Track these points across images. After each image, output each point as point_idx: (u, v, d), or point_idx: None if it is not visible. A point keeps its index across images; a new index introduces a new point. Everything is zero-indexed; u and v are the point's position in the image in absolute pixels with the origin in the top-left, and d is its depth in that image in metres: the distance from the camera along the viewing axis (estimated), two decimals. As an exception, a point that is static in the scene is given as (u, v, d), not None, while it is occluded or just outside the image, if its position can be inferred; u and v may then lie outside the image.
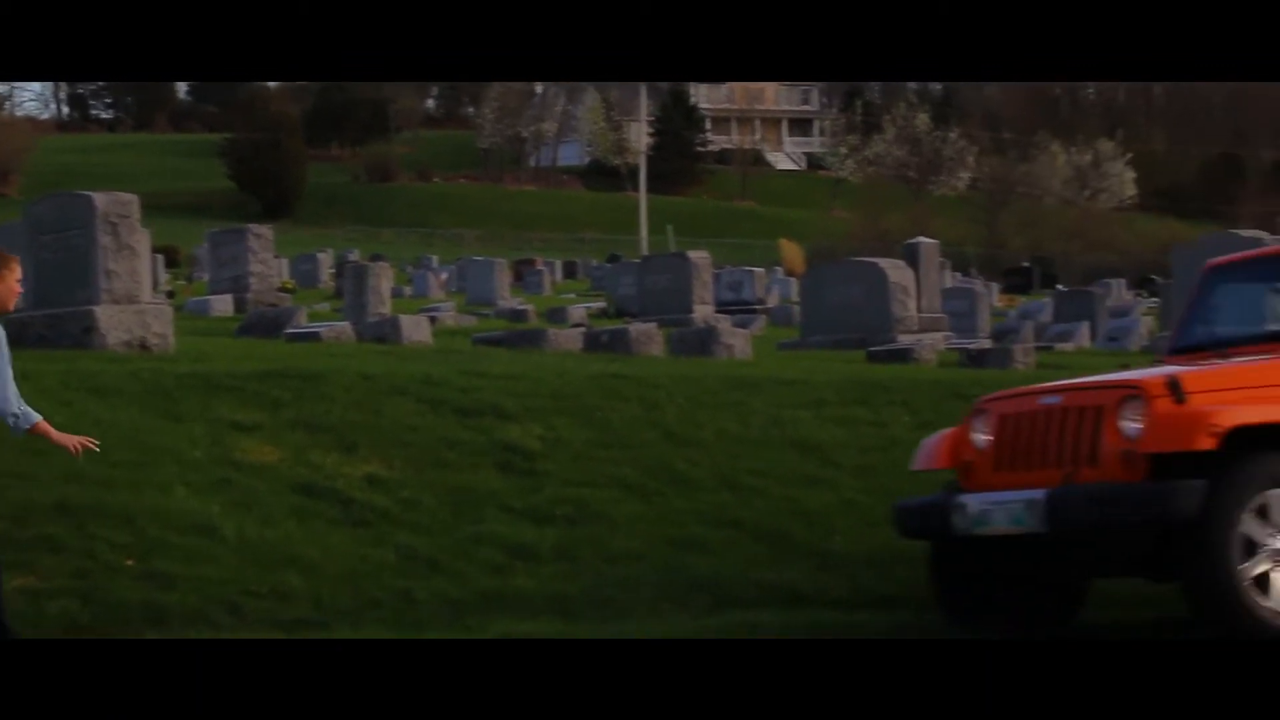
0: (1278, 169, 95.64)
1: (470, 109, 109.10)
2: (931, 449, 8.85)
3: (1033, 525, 8.00)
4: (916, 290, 23.44)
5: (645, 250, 62.82)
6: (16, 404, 7.15)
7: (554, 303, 37.69)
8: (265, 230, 29.51)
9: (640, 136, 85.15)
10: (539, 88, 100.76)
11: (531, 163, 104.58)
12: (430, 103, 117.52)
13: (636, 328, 18.47)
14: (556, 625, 8.60)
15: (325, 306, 31.92)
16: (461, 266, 50.16)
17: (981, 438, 8.58)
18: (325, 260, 49.91)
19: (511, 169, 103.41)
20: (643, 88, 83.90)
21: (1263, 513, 7.79)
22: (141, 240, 14.46)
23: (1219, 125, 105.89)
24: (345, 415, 10.94)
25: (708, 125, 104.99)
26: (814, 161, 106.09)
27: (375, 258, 46.03)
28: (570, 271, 61.36)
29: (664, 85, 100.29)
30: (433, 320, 23.68)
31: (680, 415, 11.70)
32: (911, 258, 25.96)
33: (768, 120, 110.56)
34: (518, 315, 30.51)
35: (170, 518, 9.26)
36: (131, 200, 14.12)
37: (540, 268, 55.02)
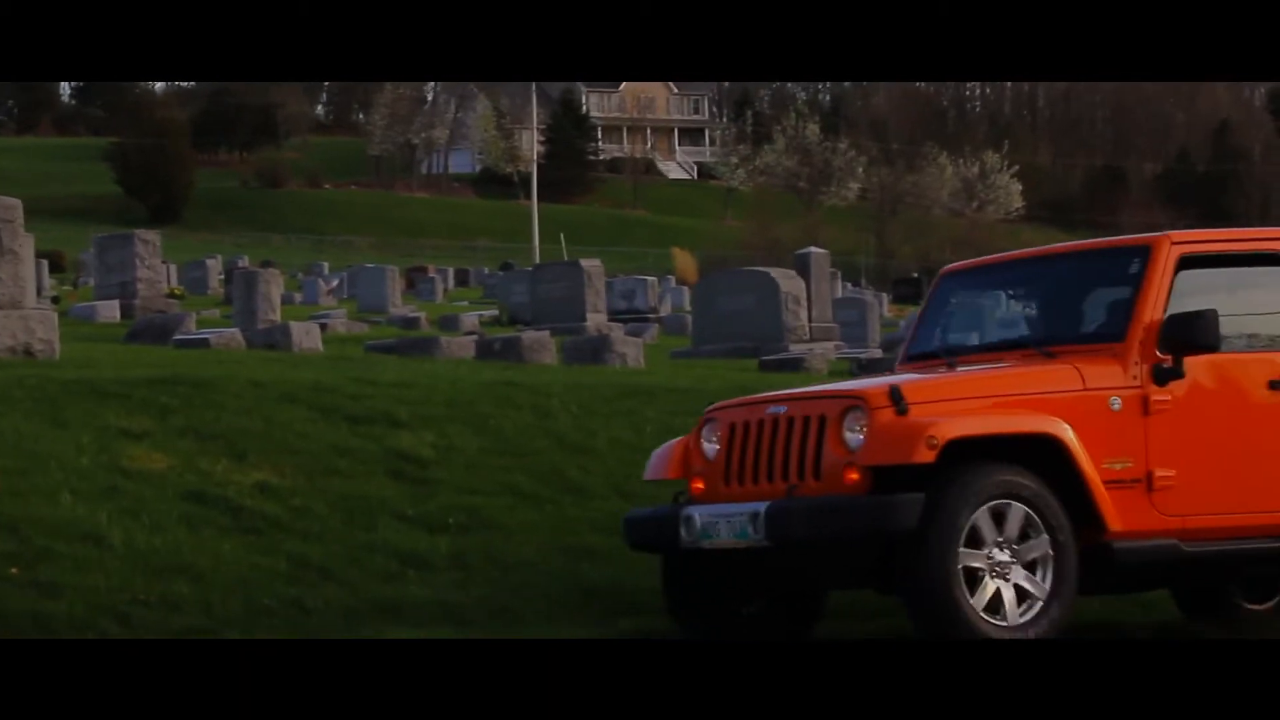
0: (1159, 180, 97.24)
1: (360, 115, 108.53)
2: (662, 459, 8.70)
3: (756, 538, 7.90)
4: (808, 300, 23.61)
5: (538, 258, 62.80)
6: None
7: (446, 310, 37.56)
8: (153, 235, 29.21)
9: (532, 144, 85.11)
10: (429, 95, 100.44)
11: (423, 170, 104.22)
12: (320, 109, 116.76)
13: (529, 336, 18.46)
14: (450, 633, 8.58)
15: (215, 313, 31.63)
16: (353, 273, 49.88)
17: (711, 447, 8.45)
18: (214, 266, 49.48)
19: (403, 176, 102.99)
20: (533, 95, 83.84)
21: (988, 523, 7.74)
22: (25, 245, 14.25)
23: (1102, 137, 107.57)
24: (235, 422, 10.84)
25: (599, 134, 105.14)
26: (705, 171, 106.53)
27: (265, 264, 45.66)
28: (463, 279, 61.20)
29: (554, 94, 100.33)
30: (324, 327, 23.53)
31: (573, 423, 11.69)
32: (803, 267, 26.14)
33: (659, 129, 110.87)
34: (410, 323, 30.38)
35: (57, 526, 9.13)
36: (14, 204, 13.91)
37: (432, 275, 54.84)
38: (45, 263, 40.62)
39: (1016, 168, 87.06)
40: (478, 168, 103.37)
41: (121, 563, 8.94)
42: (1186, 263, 8.44)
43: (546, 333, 19.64)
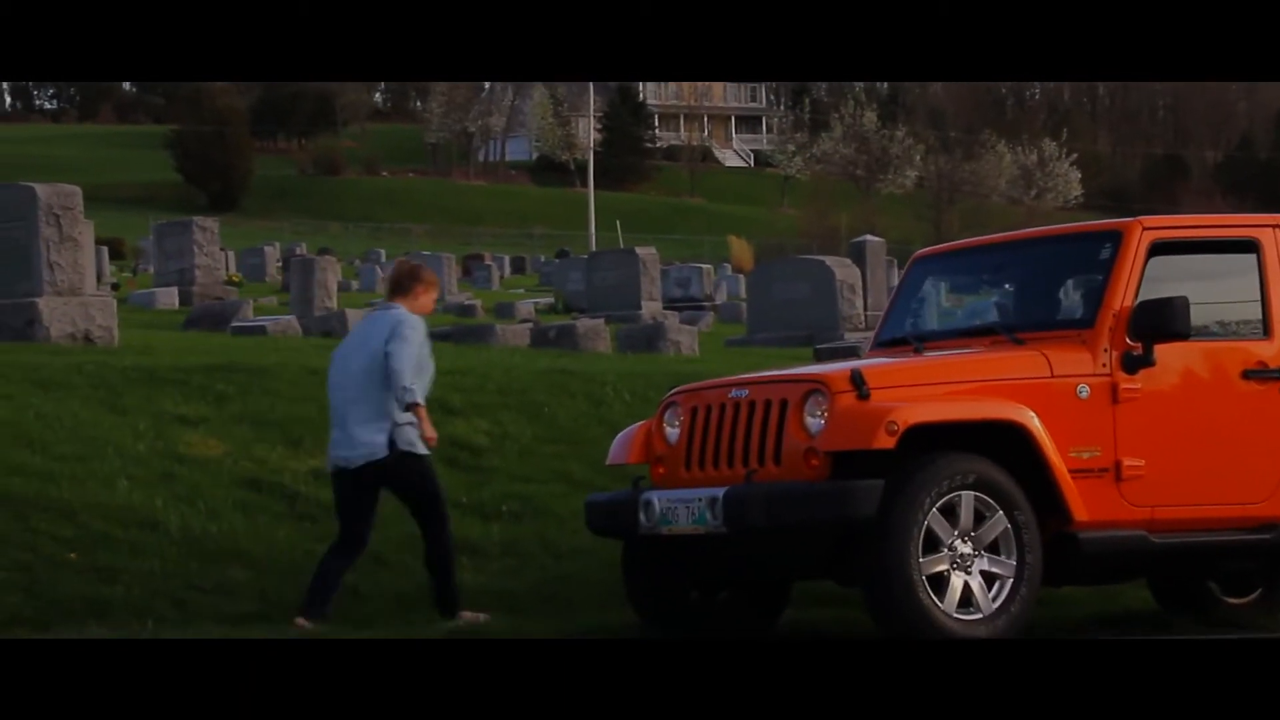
0: (1219, 169, 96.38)
1: (417, 103, 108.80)
2: (624, 443, 8.60)
3: (714, 524, 7.78)
4: (864, 288, 23.53)
5: (594, 246, 62.83)
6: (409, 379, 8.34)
7: (502, 298, 37.62)
8: (211, 223, 29.36)
9: (588, 132, 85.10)
10: (486, 83, 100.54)
11: (479, 157, 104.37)
12: (377, 96, 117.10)
13: (584, 323, 18.48)
14: (503, 621, 8.60)
15: (272, 300, 31.77)
16: (409, 261, 49.95)
17: (672, 431, 8.34)
18: (272, 254, 49.69)
19: (459, 163, 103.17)
20: (590, 83, 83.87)
21: (946, 514, 7.63)
22: (85, 232, 14.37)
23: (1162, 126, 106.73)
24: (291, 409, 10.90)
25: (656, 121, 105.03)
26: (762, 159, 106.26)
27: (322, 251, 45.91)
28: (519, 267, 61.26)
29: (611, 82, 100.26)
30: (379, 315, 23.57)
31: (627, 411, 11.70)
32: (858, 256, 26.06)
33: (716, 117, 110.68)
34: (465, 310, 30.45)
35: (113, 511, 9.22)
36: (74, 192, 14.02)
37: (488, 263, 54.91)
38: (105, 250, 40.92)
39: (1075, 156, 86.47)
40: (534, 155, 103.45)
41: (177, 548, 9.02)
42: (1158, 249, 8.30)
43: (601, 320, 19.65)
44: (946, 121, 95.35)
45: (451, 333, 18.85)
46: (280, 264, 46.54)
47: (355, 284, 44.11)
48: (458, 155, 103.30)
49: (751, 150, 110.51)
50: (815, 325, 21.72)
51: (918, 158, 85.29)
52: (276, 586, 8.86)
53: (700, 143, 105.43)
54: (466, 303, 32.61)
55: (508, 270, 57.87)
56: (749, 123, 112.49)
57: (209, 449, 10.19)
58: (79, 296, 13.73)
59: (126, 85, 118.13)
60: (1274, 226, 8.65)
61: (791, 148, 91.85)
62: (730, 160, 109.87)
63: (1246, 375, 8.36)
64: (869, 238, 28.62)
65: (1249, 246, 8.54)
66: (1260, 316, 8.49)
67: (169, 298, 27.28)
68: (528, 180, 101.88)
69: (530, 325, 20.40)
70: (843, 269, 22.69)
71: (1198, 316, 8.15)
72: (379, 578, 9.12)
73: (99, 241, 33.89)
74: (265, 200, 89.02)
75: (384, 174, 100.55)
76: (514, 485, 10.32)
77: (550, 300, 36.10)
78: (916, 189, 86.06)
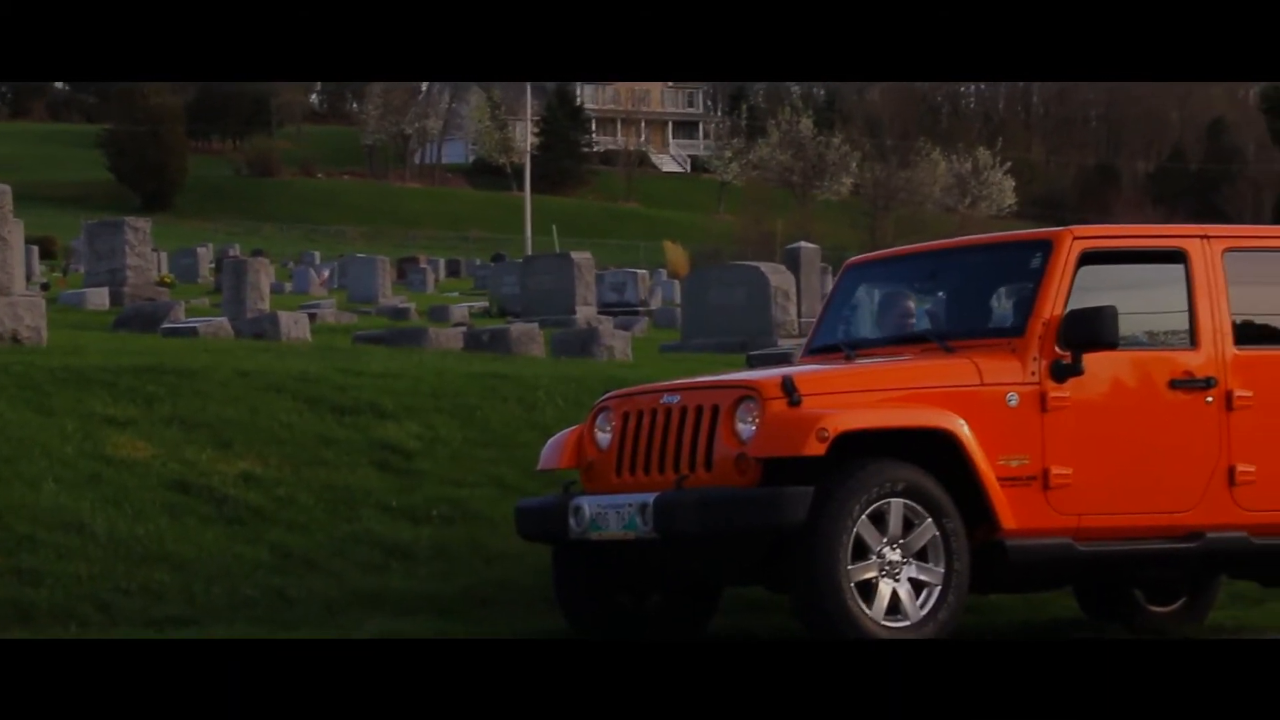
0: (1151, 179, 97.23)
1: (354, 105, 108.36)
2: (556, 448, 8.60)
3: (644, 530, 7.79)
4: (798, 295, 23.59)
5: (530, 250, 62.75)
6: None
7: (437, 301, 37.52)
8: (143, 223, 29.12)
9: (525, 136, 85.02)
10: (423, 85, 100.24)
11: (416, 160, 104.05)
12: (313, 98, 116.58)
13: (518, 328, 18.44)
14: (433, 624, 8.58)
15: (204, 301, 31.57)
16: (343, 263, 49.79)
17: (604, 436, 8.35)
18: (205, 255, 49.40)
19: (395, 166, 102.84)
20: (527, 87, 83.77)
21: (875, 521, 7.68)
22: (15, 231, 14.21)
23: (1095, 135, 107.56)
24: (221, 412, 10.83)
25: (593, 126, 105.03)
26: (699, 164, 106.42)
27: (256, 253, 45.63)
28: (454, 270, 61.11)
29: (548, 86, 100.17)
30: (312, 317, 23.49)
31: (559, 416, 11.68)
32: (793, 262, 26.12)
33: (653, 122, 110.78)
34: (399, 313, 30.34)
35: (39, 513, 9.13)
36: (4, 190, 13.88)
37: (424, 266, 54.75)
38: (35, 249, 40.55)
39: (1009, 164, 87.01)
40: (471, 158, 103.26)
41: (104, 551, 8.94)
42: (1088, 258, 8.36)
43: (535, 325, 19.62)
44: (882, 129, 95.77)
45: (384, 335, 18.77)
46: (213, 265, 46.27)
47: (289, 286, 43.89)
48: (394, 158, 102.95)
49: (688, 156, 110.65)
50: (750, 331, 21.76)
51: (853, 165, 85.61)
52: (204, 589, 8.81)
53: (637, 148, 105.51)
54: (400, 305, 32.49)
55: (443, 273, 57.71)
56: (686, 128, 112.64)
57: (137, 451, 10.11)
58: (7, 296, 13.59)
59: (59, 83, 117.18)
60: (1202, 237, 8.73)
61: (728, 153, 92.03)
62: (667, 165, 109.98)
63: (1173, 385, 8.43)
64: (804, 244, 28.70)
65: (1177, 257, 8.62)
66: (1187, 327, 8.56)
67: (100, 298, 27.04)
68: (464, 183, 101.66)
69: (464, 329, 20.35)
70: (777, 275, 22.73)
71: (1126, 326, 8.22)
72: (307, 581, 9.08)
73: (29, 240, 33.52)
74: (199, 201, 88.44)
75: (319, 175, 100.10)
76: (445, 489, 10.30)
77: (485, 304, 36.03)
78: (852, 196, 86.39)
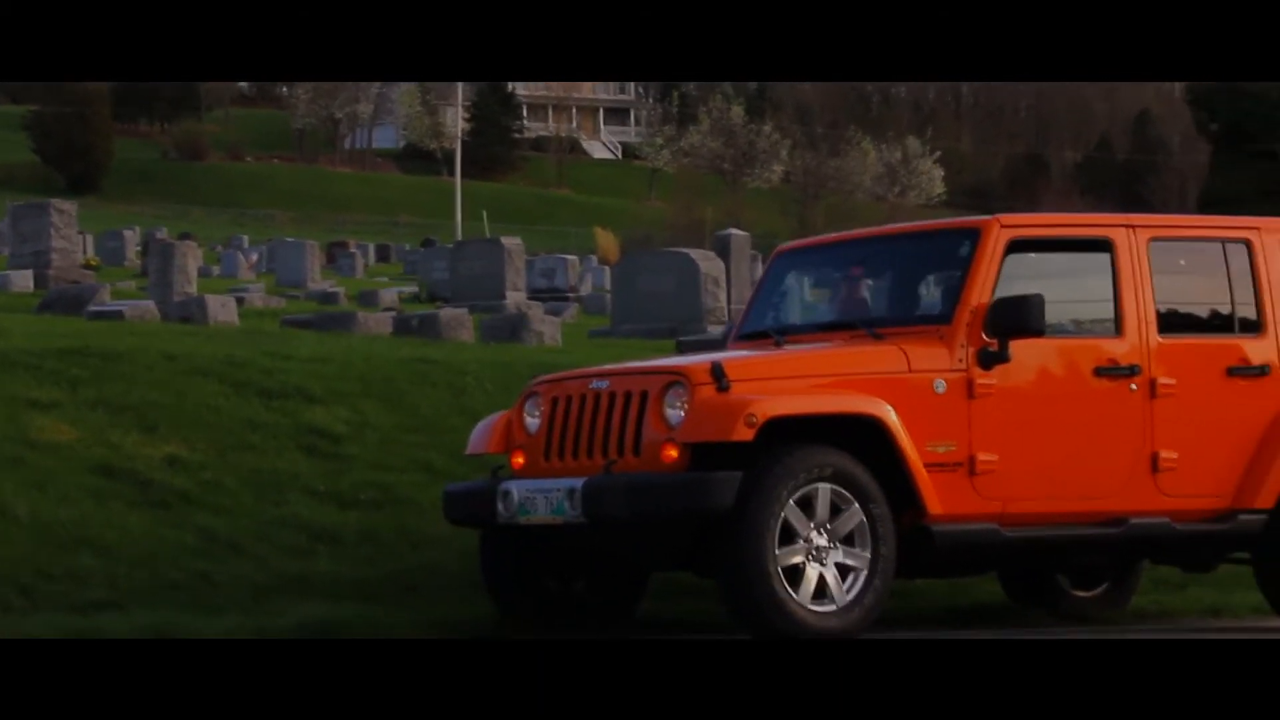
0: (1078, 169, 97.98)
1: (284, 88, 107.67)
2: (484, 432, 8.60)
3: (572, 515, 7.81)
4: (727, 281, 23.63)
5: (460, 235, 62.55)
6: None
7: (366, 286, 37.36)
8: (69, 205, 28.83)
9: (456, 121, 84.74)
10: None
11: (346, 145, 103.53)
12: (242, 82, 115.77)
13: (447, 313, 18.40)
14: (359, 609, 8.55)
15: (130, 285, 31.33)
16: (272, 247, 49.52)
17: (533, 421, 8.37)
18: (131, 238, 48.99)
19: (325, 150, 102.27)
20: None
21: (805, 508, 7.72)
22: (-63, 212, 14.07)
23: (1024, 125, 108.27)
24: (146, 395, 10.74)
25: (524, 112, 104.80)
26: (630, 151, 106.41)
27: (183, 236, 45.28)
28: (384, 255, 60.86)
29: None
30: (240, 301, 23.36)
31: (488, 401, 11.65)
32: (723, 249, 26.16)
33: (584, 109, 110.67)
34: (328, 298, 30.19)
35: (-39, 497, 9.03)
36: (-73, 171, 13.73)
37: (353, 250, 54.50)
38: (-41, 231, 40.08)
39: (939, 154, 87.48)
40: (402, 143, 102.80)
41: (26, 535, 8.86)
42: (1015, 247, 8.42)
43: (465, 310, 19.57)
44: (813, 117, 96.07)
45: (313, 320, 18.68)
46: (140, 248, 45.91)
47: (217, 270, 43.58)
48: (324, 142, 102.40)
49: (619, 142, 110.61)
50: (679, 318, 21.78)
51: (784, 153, 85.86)
52: (127, 574, 8.75)
53: (568, 134, 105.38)
54: (329, 290, 32.33)
55: (372, 258, 57.48)
56: (617, 115, 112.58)
57: (61, 434, 10.02)
58: (-71, 278, 13.45)
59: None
60: (1128, 226, 8.81)
61: (659, 140, 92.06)
62: (598, 152, 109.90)
63: (1098, 372, 8.51)
64: (734, 231, 28.76)
65: (1103, 246, 8.69)
66: (1113, 315, 8.64)
67: (24, 280, 26.76)
68: (394, 168, 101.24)
69: (393, 314, 20.27)
70: (707, 262, 22.76)
71: (1053, 314, 8.28)
72: (234, 566, 9.03)
73: (-48, 222, 33.18)
74: (126, 183, 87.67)
75: (248, 159, 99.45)
76: (373, 474, 10.26)
77: (414, 289, 35.91)
78: (782, 184, 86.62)
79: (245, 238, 61.12)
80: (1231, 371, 8.81)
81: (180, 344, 12.81)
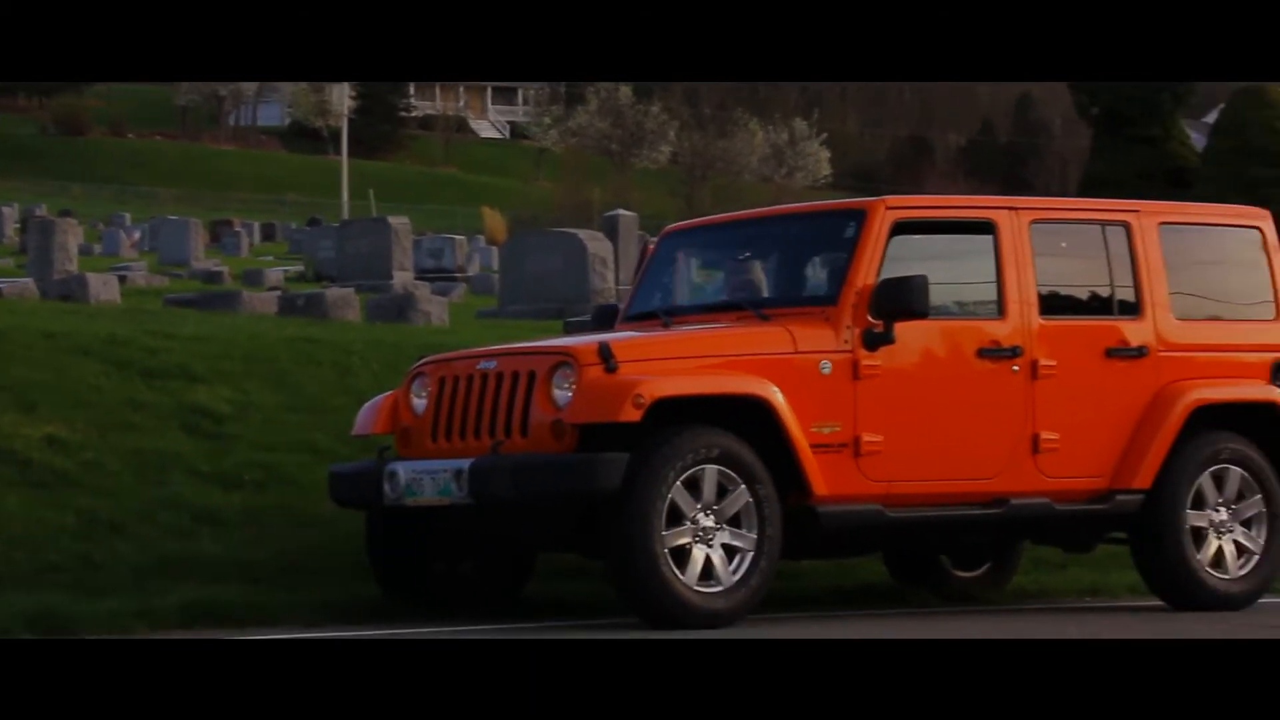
0: (962, 152, 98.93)
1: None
2: (371, 413, 8.57)
3: (459, 496, 7.80)
4: (615, 262, 23.63)
5: (347, 214, 62.10)
6: None
7: (251, 265, 36.99)
8: (-55, 182, 28.36)
9: (343, 99, 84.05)
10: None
11: (230, 122, 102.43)
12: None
13: (333, 292, 18.28)
14: (243, 591, 8.48)
15: (9, 262, 30.84)
16: (155, 226, 48.92)
17: (419, 402, 8.34)
18: (10, 215, 48.26)
19: (209, 128, 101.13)
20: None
21: (690, 487, 7.74)
22: None
23: (908, 108, 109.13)
24: (25, 374, 10.58)
25: (411, 90, 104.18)
26: (518, 130, 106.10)
27: (64, 214, 44.54)
28: (269, 234, 60.26)
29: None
30: (122, 279, 23.08)
31: (375, 381, 11.58)
32: (611, 230, 26.16)
33: (471, 88, 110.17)
34: (212, 277, 29.89)
35: None
36: None
37: (238, 229, 53.96)
38: None
39: (825, 136, 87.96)
40: (287, 121, 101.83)
41: (-99, 517, 8.71)
42: (901, 228, 8.48)
43: (351, 290, 19.45)
44: (700, 98, 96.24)
45: (196, 299, 18.50)
46: (18, 225, 45.18)
47: (98, 248, 43.00)
48: (208, 119, 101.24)
49: (507, 122, 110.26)
50: (567, 298, 21.76)
51: (671, 134, 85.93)
52: (5, 555, 8.62)
53: (455, 113, 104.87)
54: (214, 269, 32.01)
55: (257, 237, 56.91)
56: (505, 94, 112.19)
57: (-63, 414, 9.86)
58: None
59: None
60: (1011, 209, 8.90)
61: (547, 120, 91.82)
62: (485, 131, 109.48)
63: (981, 354, 8.59)
64: (622, 212, 28.77)
65: (986, 228, 8.78)
66: (995, 297, 8.73)
67: (-101, 258, 26.30)
68: (280, 146, 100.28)
69: (278, 293, 20.11)
70: (595, 242, 22.75)
71: (937, 296, 8.35)
72: (115, 547, 8.92)
73: None
74: (3, 159, 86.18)
75: (130, 136, 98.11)
76: (257, 454, 10.17)
77: (300, 268, 35.62)
78: (670, 165, 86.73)
79: (127, 215, 60.31)
80: (1110, 353, 8.93)
81: (60, 322, 12.63)
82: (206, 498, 9.56)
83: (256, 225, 60.31)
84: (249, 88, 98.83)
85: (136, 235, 49.14)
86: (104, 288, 19.10)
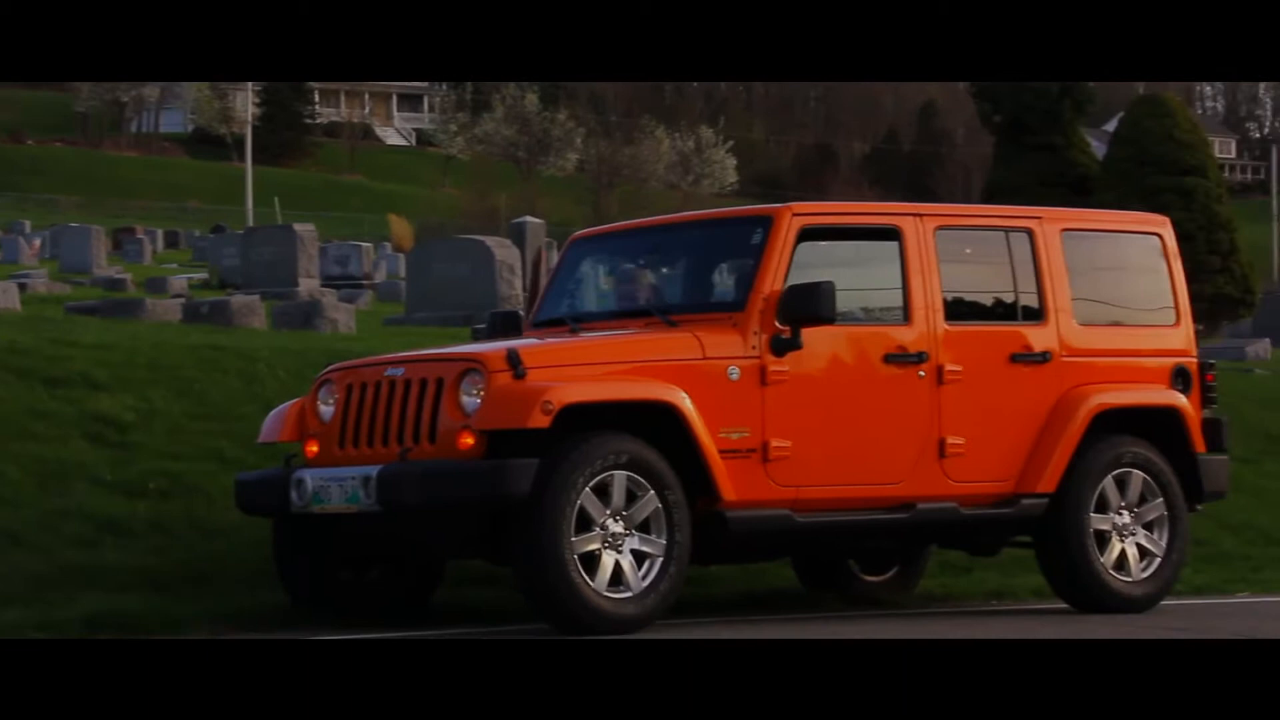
0: (866, 160, 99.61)
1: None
2: (277, 420, 8.56)
3: (367, 503, 7.79)
4: (523, 269, 23.60)
5: (251, 221, 61.64)
6: None
7: (154, 273, 36.63)
8: None
9: (247, 106, 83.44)
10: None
11: (132, 128, 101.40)
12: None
13: (238, 299, 18.13)
14: (148, 600, 8.40)
15: (-94, 270, 30.36)
16: (56, 233, 48.30)
17: (326, 409, 8.33)
18: (-93, 222, 47.51)
19: (111, 134, 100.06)
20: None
21: (600, 495, 7.77)
22: None
23: (814, 116, 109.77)
24: (-76, 384, 10.43)
25: (316, 97, 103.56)
26: (424, 137, 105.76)
27: (-38, 221, 43.98)
28: (173, 241, 59.70)
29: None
30: (23, 287, 22.77)
31: (281, 389, 11.51)
32: (518, 237, 26.11)
33: (377, 94, 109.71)
34: (114, 284, 29.56)
35: None
36: None
37: (140, 236, 53.40)
38: None
39: (731, 143, 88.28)
40: (190, 128, 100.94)
41: None
42: (807, 235, 8.53)
43: (256, 297, 19.31)
44: (607, 106, 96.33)
45: (99, 306, 18.28)
46: (-84, 233, 44.50)
47: (-3, 255, 42.46)
48: (109, 125, 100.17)
49: (413, 129, 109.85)
50: (475, 305, 21.68)
51: (578, 141, 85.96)
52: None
53: (361, 120, 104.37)
54: (116, 276, 31.66)
55: (161, 245, 56.36)
56: (411, 101, 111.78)
57: None
58: None
59: None
60: (916, 215, 8.97)
61: (453, 127, 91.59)
62: (391, 138, 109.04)
63: (887, 359, 8.66)
64: (529, 219, 28.66)
65: (892, 234, 8.85)
66: (901, 303, 8.79)
67: None
68: (183, 153, 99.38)
69: (182, 300, 19.94)
70: (502, 249, 22.70)
71: (844, 302, 8.40)
72: (13, 557, 8.80)
73: None
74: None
75: (29, 142, 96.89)
76: (162, 462, 10.07)
77: (205, 276, 35.32)
78: (577, 172, 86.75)
79: (27, 223, 59.53)
80: (1015, 358, 9.02)
81: (-41, 331, 12.46)
82: (110, 507, 9.46)
83: (160, 232, 59.71)
84: (151, 93, 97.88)
85: (37, 243, 48.49)
86: (4, 296, 18.85)
